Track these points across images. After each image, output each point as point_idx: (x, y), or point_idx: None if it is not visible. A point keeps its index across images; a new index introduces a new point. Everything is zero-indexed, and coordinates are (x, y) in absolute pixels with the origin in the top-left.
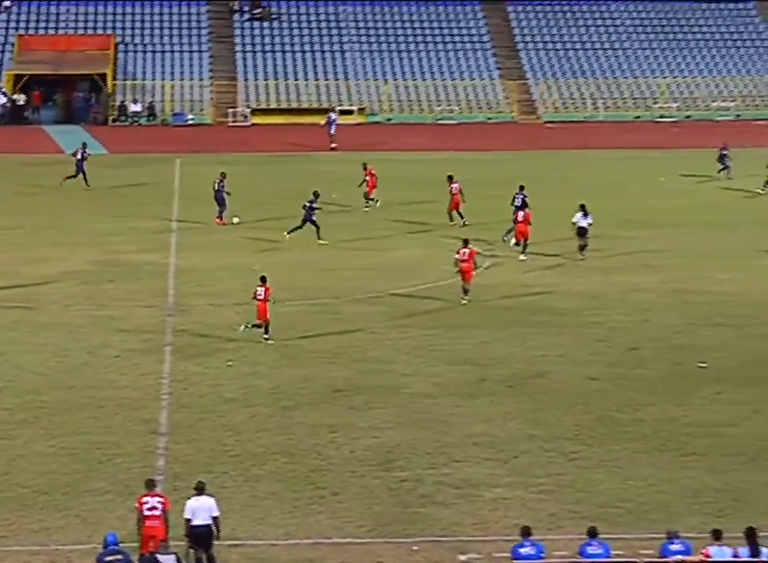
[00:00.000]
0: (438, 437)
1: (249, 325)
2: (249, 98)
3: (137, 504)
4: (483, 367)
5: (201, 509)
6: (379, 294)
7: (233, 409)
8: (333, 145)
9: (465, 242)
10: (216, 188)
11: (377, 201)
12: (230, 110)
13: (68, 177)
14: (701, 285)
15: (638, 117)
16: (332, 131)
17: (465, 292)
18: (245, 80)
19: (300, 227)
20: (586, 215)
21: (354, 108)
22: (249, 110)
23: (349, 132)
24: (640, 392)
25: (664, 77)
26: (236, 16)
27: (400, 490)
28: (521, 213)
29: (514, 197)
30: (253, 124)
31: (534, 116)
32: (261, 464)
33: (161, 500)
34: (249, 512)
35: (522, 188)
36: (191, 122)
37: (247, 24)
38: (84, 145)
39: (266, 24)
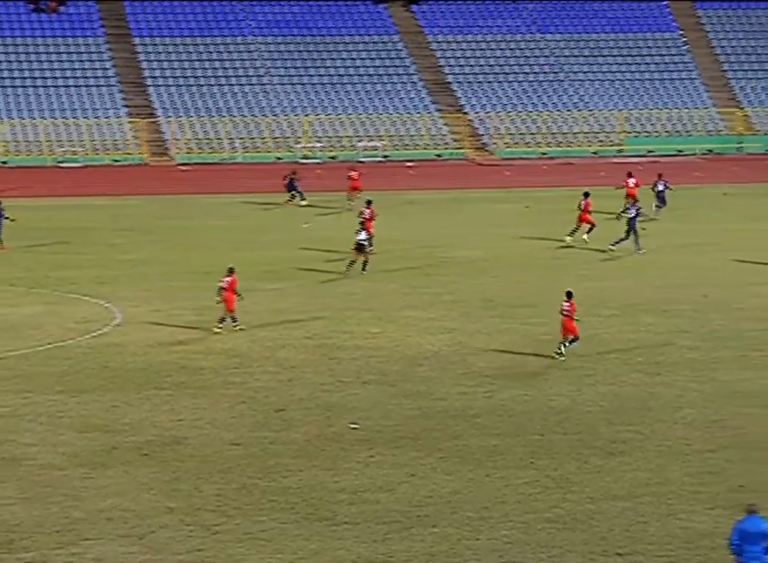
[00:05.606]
0: (66, 512)
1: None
2: None
3: None
4: (114, 434)
5: None
6: None
7: None
8: None
9: (231, 271)
10: None
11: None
12: None
13: None
14: (350, 340)
15: (280, 158)
16: None
17: (223, 320)
18: None
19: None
20: (361, 231)
21: None
22: None
23: None
24: (287, 458)
25: (306, 115)
26: None
27: None
28: None
29: None
30: None
31: (166, 158)
32: None
33: None
34: None
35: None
36: None
37: None
38: None
39: None
